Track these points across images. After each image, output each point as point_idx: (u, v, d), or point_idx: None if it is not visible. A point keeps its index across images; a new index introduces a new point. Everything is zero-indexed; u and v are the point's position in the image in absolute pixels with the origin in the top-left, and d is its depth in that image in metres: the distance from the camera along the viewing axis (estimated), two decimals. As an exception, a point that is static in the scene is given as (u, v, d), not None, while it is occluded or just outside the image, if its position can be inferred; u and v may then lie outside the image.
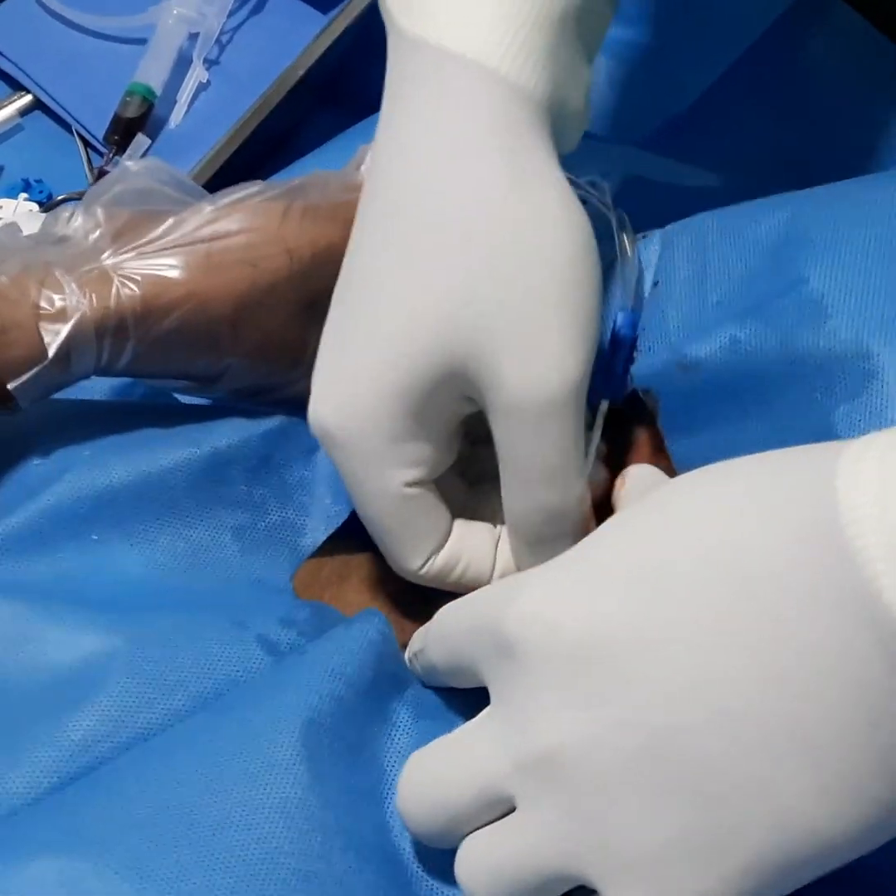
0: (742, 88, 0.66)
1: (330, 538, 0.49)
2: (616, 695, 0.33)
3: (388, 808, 0.40)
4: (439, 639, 0.40)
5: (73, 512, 0.45)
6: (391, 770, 0.40)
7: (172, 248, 0.46)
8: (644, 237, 0.50)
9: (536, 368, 0.40)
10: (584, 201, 0.43)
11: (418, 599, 0.46)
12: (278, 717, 0.39)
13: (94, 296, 0.45)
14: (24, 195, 0.71)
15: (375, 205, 0.43)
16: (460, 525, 0.44)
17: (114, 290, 0.45)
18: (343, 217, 0.48)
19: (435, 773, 0.38)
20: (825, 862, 0.32)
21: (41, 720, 0.40)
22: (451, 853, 0.38)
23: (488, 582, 0.44)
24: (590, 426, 0.46)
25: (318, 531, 0.49)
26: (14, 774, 0.39)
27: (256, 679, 0.42)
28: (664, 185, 0.59)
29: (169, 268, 0.46)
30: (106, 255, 0.46)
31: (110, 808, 0.37)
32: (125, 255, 0.46)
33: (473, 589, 0.42)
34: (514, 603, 0.36)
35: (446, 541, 0.44)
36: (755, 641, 0.31)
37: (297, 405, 0.50)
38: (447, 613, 0.40)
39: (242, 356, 0.48)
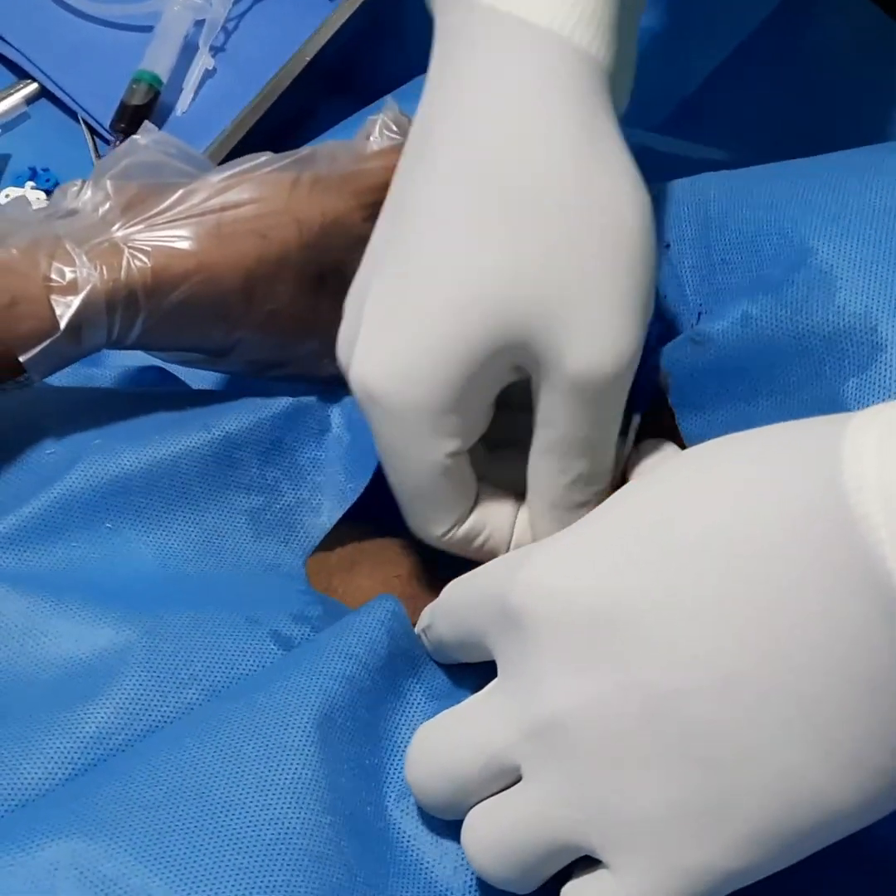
0: (750, 68, 0.66)
1: (341, 522, 0.49)
2: (620, 661, 0.33)
3: (393, 789, 0.40)
4: (447, 612, 0.40)
5: (85, 501, 0.45)
6: (404, 748, 0.41)
7: (182, 220, 0.46)
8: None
9: (601, 346, 0.40)
10: None
11: (428, 584, 0.46)
12: (290, 699, 0.39)
13: (104, 268, 0.45)
14: (30, 183, 0.71)
15: (434, 166, 0.41)
16: (485, 494, 0.44)
17: (124, 261, 0.45)
18: (352, 188, 0.48)
19: (443, 743, 0.38)
20: (829, 831, 0.32)
21: (55, 712, 0.40)
22: (452, 841, 0.38)
23: (506, 550, 0.44)
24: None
25: (334, 510, 0.49)
26: (28, 765, 0.39)
27: (269, 667, 0.42)
28: (676, 162, 0.59)
29: (179, 239, 0.46)
30: (116, 227, 0.46)
31: (122, 793, 0.37)
32: (135, 228, 0.46)
33: (490, 557, 0.43)
34: (521, 573, 0.36)
35: (472, 509, 0.44)
36: (759, 609, 0.31)
37: (309, 379, 0.49)
38: (455, 587, 0.40)
39: (253, 328, 0.48)
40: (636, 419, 0.47)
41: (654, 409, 0.47)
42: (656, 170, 0.60)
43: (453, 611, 0.40)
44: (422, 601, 0.45)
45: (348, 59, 0.73)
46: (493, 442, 0.45)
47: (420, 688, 0.42)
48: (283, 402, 0.49)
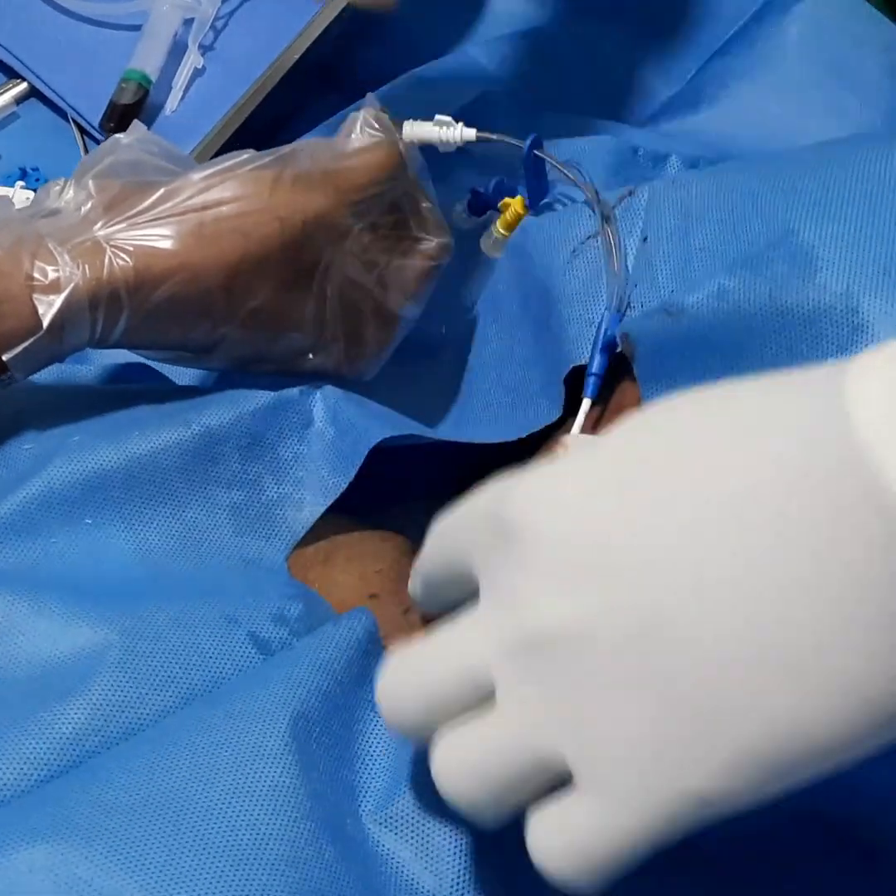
0: (736, 65, 0.65)
1: (322, 517, 0.48)
2: (611, 581, 0.33)
3: (369, 803, 0.40)
4: (433, 540, 0.39)
5: (64, 496, 0.45)
6: (378, 765, 0.40)
7: (164, 219, 0.46)
8: (631, 194, 0.50)
9: None
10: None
11: (403, 579, 0.45)
12: (267, 709, 0.39)
13: (86, 267, 0.45)
14: (20, 183, 0.71)
15: None
16: None
17: (106, 260, 0.45)
18: (334, 185, 0.47)
19: (415, 660, 0.36)
20: (816, 764, 0.31)
21: (31, 712, 0.39)
22: (435, 850, 0.38)
23: None
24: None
25: (316, 504, 0.48)
26: (3, 766, 0.38)
27: (246, 674, 0.42)
28: (659, 158, 0.59)
29: (161, 238, 0.45)
30: (98, 226, 0.46)
31: (100, 797, 0.37)
32: (117, 226, 0.45)
33: None
34: (518, 487, 0.35)
35: None
36: (756, 536, 0.31)
37: (293, 374, 0.49)
38: (444, 515, 0.39)
39: (236, 325, 0.48)
40: (586, 404, 0.46)
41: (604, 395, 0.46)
42: (642, 167, 0.59)
43: (441, 536, 0.38)
44: (403, 596, 0.45)
45: (335, 57, 0.73)
46: None
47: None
48: (264, 397, 0.49)
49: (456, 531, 0.38)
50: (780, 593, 0.31)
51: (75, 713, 0.40)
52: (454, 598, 0.38)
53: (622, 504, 0.33)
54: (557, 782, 0.34)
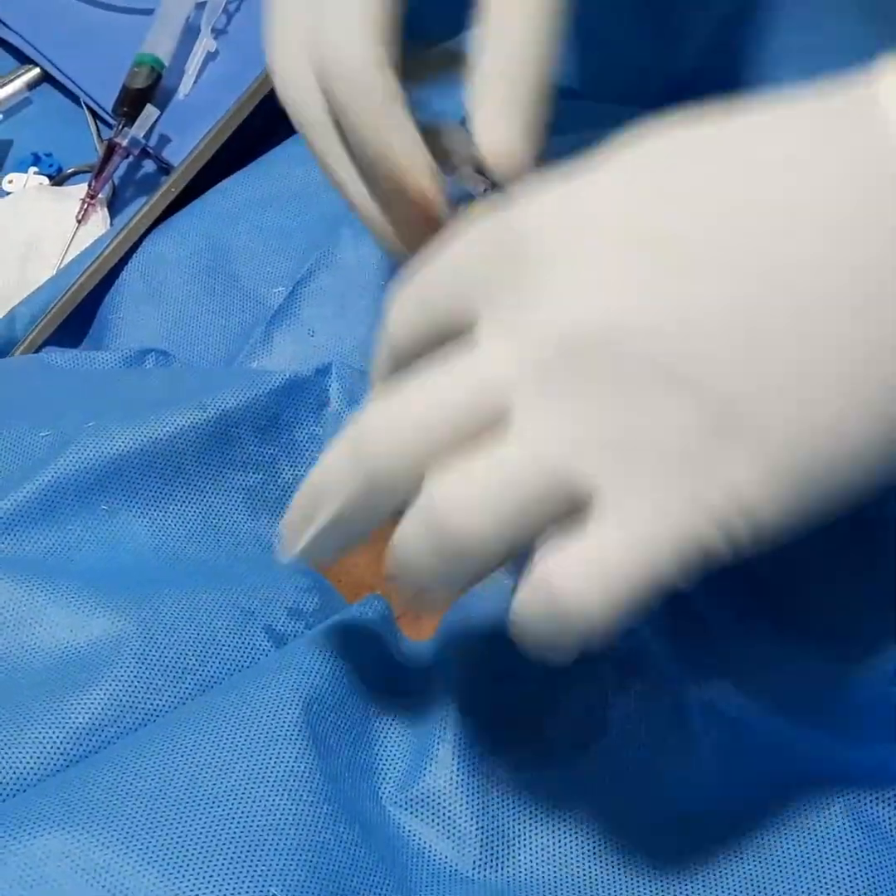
0: (743, 40, 0.64)
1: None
2: (657, 279, 0.30)
3: (388, 785, 0.39)
4: (409, 300, 0.34)
5: (79, 483, 0.45)
6: (395, 750, 0.40)
7: None
8: None
9: None
10: None
11: None
12: (281, 695, 0.39)
13: None
14: (33, 169, 0.70)
15: None
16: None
17: None
18: None
19: (415, 384, 0.32)
20: (855, 479, 0.30)
21: (48, 702, 0.39)
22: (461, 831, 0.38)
23: None
24: None
25: None
26: (21, 754, 0.39)
27: (259, 663, 0.42)
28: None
29: None
30: None
31: (114, 783, 0.37)
32: None
33: None
34: (534, 198, 0.32)
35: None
36: (809, 249, 0.29)
37: None
38: (413, 274, 0.34)
39: None
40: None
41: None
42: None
43: (421, 289, 0.33)
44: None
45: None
46: None
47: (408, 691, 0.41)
48: (279, 377, 0.48)
49: (445, 274, 0.33)
50: (834, 308, 0.29)
51: (92, 703, 0.40)
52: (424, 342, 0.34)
53: (661, 209, 0.30)
54: (570, 511, 0.31)
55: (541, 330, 0.31)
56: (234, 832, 0.35)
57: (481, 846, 0.38)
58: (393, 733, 0.40)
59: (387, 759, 0.40)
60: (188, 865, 0.35)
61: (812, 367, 0.29)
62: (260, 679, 0.40)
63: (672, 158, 0.31)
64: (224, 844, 0.35)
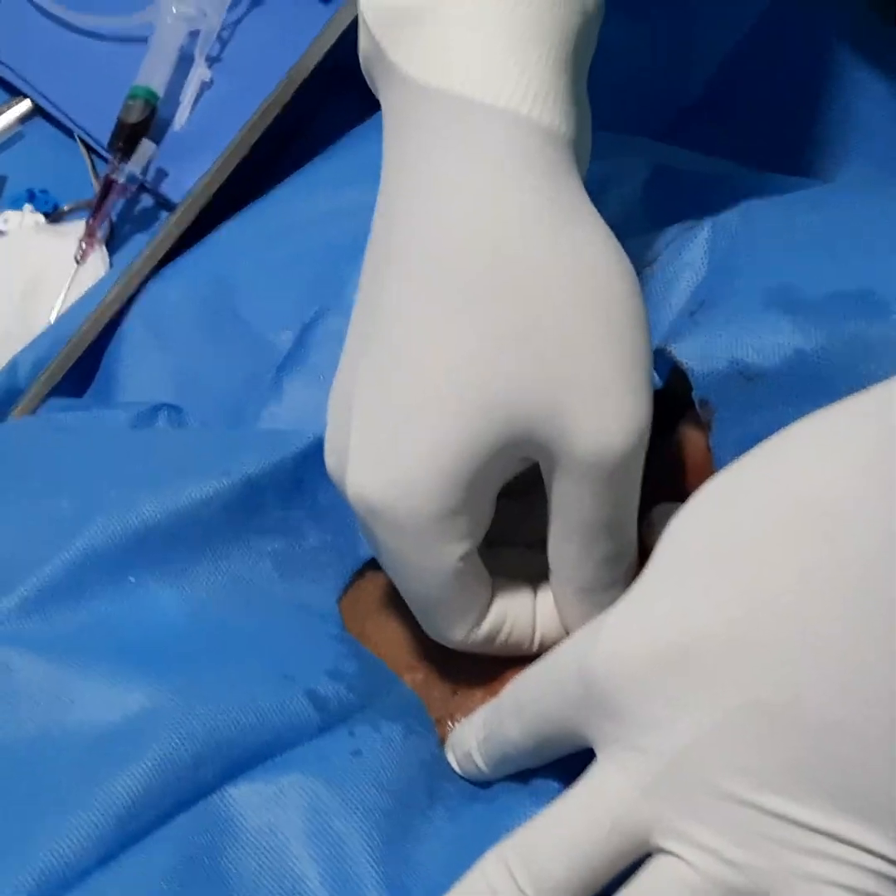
0: (750, 73, 0.64)
1: (370, 561, 0.47)
2: (730, 685, 0.34)
3: None
4: (519, 708, 0.39)
5: (106, 556, 0.44)
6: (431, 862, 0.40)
7: None
8: (690, 229, 0.48)
9: (608, 426, 0.38)
10: None
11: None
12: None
13: None
14: (28, 206, 0.69)
15: (403, 264, 0.39)
16: (497, 586, 0.43)
17: None
18: None
19: (565, 826, 0.36)
20: None
21: (87, 785, 0.39)
22: None
23: (531, 642, 0.43)
24: None
25: (359, 550, 0.47)
26: (64, 844, 0.38)
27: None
28: (687, 174, 0.57)
29: None
30: None
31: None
32: None
33: (516, 651, 0.42)
34: (596, 647, 0.36)
35: (489, 606, 0.42)
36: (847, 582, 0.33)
37: None
38: (524, 681, 0.39)
39: None
40: None
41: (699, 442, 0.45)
42: (665, 177, 0.58)
43: (528, 704, 0.38)
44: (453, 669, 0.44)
45: (352, 57, 0.71)
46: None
47: (442, 804, 0.41)
48: (301, 440, 0.47)
49: (545, 699, 0.38)
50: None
51: (132, 781, 0.39)
52: (541, 759, 0.40)
53: (703, 619, 0.34)
54: None
55: (658, 759, 0.35)
56: None
57: None
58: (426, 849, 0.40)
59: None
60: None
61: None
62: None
63: (700, 572, 0.35)
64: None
